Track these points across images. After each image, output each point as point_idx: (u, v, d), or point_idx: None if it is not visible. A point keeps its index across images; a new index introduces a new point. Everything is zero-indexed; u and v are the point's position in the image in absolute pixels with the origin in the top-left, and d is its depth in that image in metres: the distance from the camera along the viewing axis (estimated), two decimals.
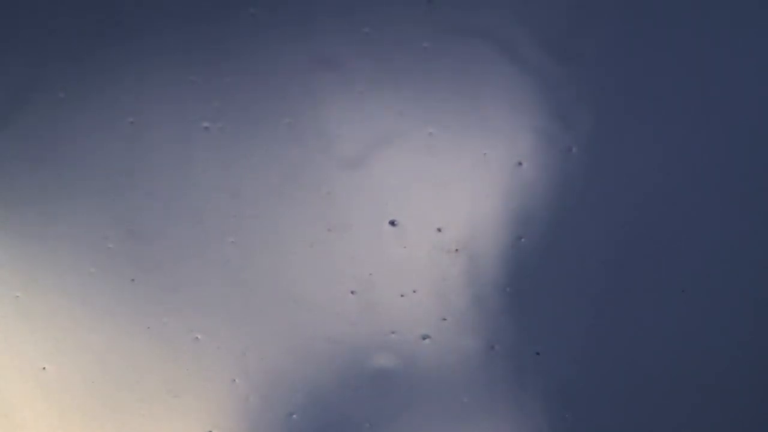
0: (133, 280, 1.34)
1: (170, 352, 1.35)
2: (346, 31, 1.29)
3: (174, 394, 1.36)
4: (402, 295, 1.34)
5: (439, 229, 1.33)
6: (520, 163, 1.31)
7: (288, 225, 1.33)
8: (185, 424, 1.37)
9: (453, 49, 1.29)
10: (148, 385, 1.36)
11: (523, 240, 1.32)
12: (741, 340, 1.36)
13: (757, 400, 1.38)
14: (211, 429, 1.37)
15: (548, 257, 1.33)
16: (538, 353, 1.35)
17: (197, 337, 1.35)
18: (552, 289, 1.34)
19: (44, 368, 1.36)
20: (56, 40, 1.30)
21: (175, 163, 1.31)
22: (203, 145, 1.31)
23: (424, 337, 1.35)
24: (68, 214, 1.32)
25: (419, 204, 1.32)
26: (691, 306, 1.34)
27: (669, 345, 1.35)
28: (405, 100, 1.30)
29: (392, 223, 1.33)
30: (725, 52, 1.31)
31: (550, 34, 1.30)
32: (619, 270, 1.34)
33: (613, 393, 1.37)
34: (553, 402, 1.36)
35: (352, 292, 1.34)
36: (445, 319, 1.35)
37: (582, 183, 1.31)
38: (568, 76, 1.30)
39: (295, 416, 1.37)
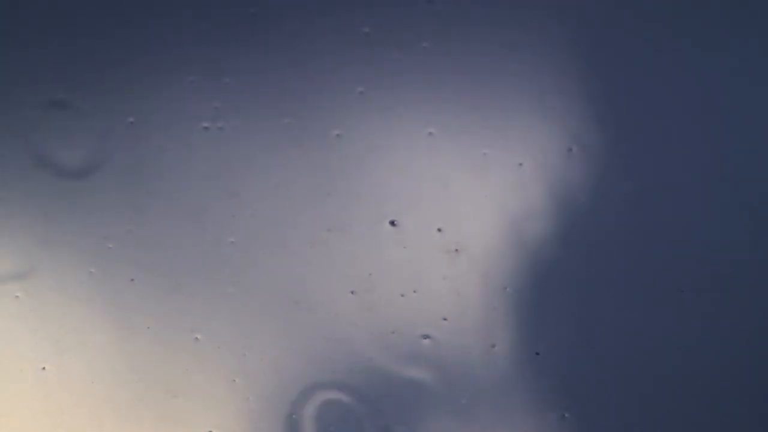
0: (133, 280, 1.33)
1: (170, 352, 1.35)
2: (346, 31, 1.29)
3: (174, 394, 1.36)
4: (402, 295, 1.34)
5: (439, 229, 1.33)
6: (520, 164, 1.31)
7: (288, 225, 1.33)
8: (185, 424, 1.37)
9: (453, 49, 1.29)
10: (148, 385, 1.36)
11: (523, 240, 1.32)
12: (740, 340, 1.36)
13: (757, 401, 1.38)
14: (211, 429, 1.37)
15: (548, 257, 1.33)
16: (538, 353, 1.35)
17: (197, 337, 1.35)
18: (552, 289, 1.34)
19: (44, 368, 1.36)
20: (56, 40, 1.30)
21: (174, 163, 1.31)
22: (203, 145, 1.31)
23: (424, 337, 1.35)
24: (68, 215, 1.32)
25: (419, 204, 1.32)
26: (689, 306, 1.34)
27: (668, 345, 1.35)
28: (405, 100, 1.30)
29: (392, 223, 1.33)
30: (725, 52, 1.31)
31: (552, 34, 1.30)
32: (619, 270, 1.34)
33: (612, 393, 1.37)
34: (553, 402, 1.36)
35: (352, 292, 1.34)
36: (445, 319, 1.35)
37: (582, 183, 1.31)
38: (568, 77, 1.30)
39: (295, 416, 1.37)
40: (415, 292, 1.34)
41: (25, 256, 1.33)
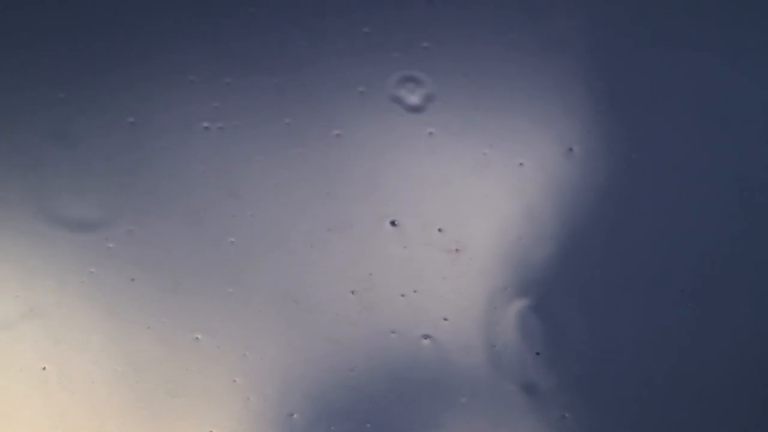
0: (133, 280, 1.33)
1: (170, 352, 1.35)
2: (346, 31, 1.29)
3: (174, 394, 1.36)
4: (402, 295, 1.34)
5: (439, 229, 1.33)
6: (520, 164, 1.31)
7: (288, 225, 1.33)
8: (185, 424, 1.37)
9: (453, 49, 1.29)
10: (148, 385, 1.36)
11: (523, 240, 1.32)
12: (740, 340, 1.36)
13: (757, 401, 1.38)
14: (211, 429, 1.37)
15: (548, 257, 1.33)
16: (538, 353, 1.35)
17: (197, 337, 1.35)
18: (552, 289, 1.34)
19: (44, 368, 1.36)
20: (56, 40, 1.30)
21: (175, 163, 1.31)
22: (203, 145, 1.31)
23: (424, 337, 1.35)
24: (68, 214, 1.32)
25: (419, 204, 1.32)
26: (690, 306, 1.34)
27: (668, 345, 1.35)
28: (405, 100, 1.30)
29: (392, 223, 1.33)
30: (725, 53, 1.31)
31: (551, 35, 1.30)
32: (619, 270, 1.34)
33: (612, 393, 1.37)
34: (553, 402, 1.36)
35: (352, 292, 1.34)
36: (445, 319, 1.35)
37: (582, 183, 1.31)
38: (568, 76, 1.30)
39: (295, 416, 1.37)
40: (415, 292, 1.34)
41: (26, 256, 1.33)
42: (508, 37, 1.29)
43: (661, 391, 1.37)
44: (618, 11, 1.30)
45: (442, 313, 1.34)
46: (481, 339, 1.35)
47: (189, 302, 1.34)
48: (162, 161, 1.31)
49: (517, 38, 1.29)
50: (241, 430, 1.37)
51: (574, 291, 1.34)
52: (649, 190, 1.32)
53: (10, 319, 1.35)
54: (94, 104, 1.30)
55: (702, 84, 1.31)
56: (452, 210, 1.32)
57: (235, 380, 1.36)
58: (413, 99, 1.30)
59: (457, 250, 1.33)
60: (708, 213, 1.33)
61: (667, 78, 1.31)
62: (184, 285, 1.34)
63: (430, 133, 1.31)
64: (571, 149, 1.31)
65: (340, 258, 1.33)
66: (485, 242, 1.32)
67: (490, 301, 1.34)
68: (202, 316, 1.35)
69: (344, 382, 1.37)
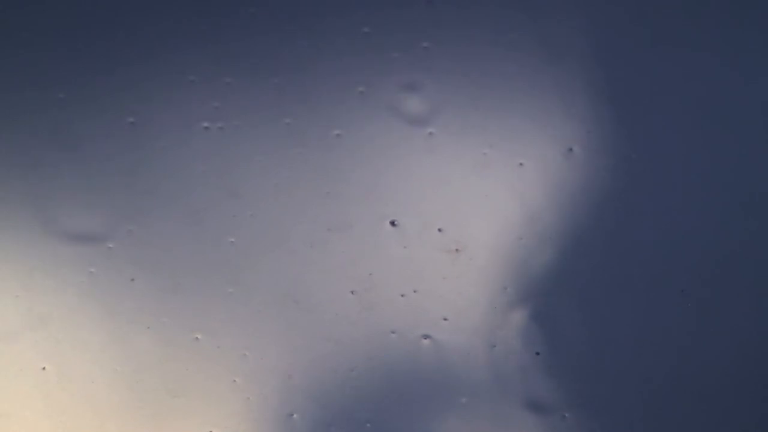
0: (133, 280, 1.33)
1: (170, 352, 1.35)
2: (347, 31, 1.29)
3: (174, 394, 1.36)
4: (402, 295, 1.34)
5: (439, 229, 1.33)
6: (520, 164, 1.31)
7: (288, 225, 1.33)
8: (185, 424, 1.37)
9: (453, 49, 1.29)
10: (148, 385, 1.36)
11: (523, 240, 1.32)
12: (740, 340, 1.36)
13: (757, 401, 1.38)
14: (211, 429, 1.37)
15: (548, 257, 1.33)
16: (538, 353, 1.35)
17: (197, 337, 1.35)
18: (552, 289, 1.34)
19: (44, 368, 1.36)
20: (56, 40, 1.30)
21: (175, 163, 1.31)
22: (203, 145, 1.31)
23: (424, 337, 1.35)
24: (68, 214, 1.32)
25: (419, 204, 1.32)
26: (689, 306, 1.34)
27: (668, 345, 1.35)
28: (405, 100, 1.30)
29: (392, 223, 1.33)
30: (725, 53, 1.31)
31: (551, 34, 1.30)
32: (619, 270, 1.34)
33: (613, 393, 1.37)
34: (553, 402, 1.36)
35: (352, 292, 1.34)
36: (445, 319, 1.35)
37: (582, 183, 1.31)
38: (568, 76, 1.30)
39: (295, 416, 1.37)
40: (415, 292, 1.34)
41: (25, 256, 1.33)
42: (508, 37, 1.29)
43: (661, 391, 1.37)
44: (618, 11, 1.30)
45: (442, 313, 1.34)
46: (481, 339, 1.35)
47: (189, 302, 1.34)
48: (162, 161, 1.31)
49: (517, 38, 1.29)
50: (241, 430, 1.37)
51: (574, 291, 1.34)
52: (649, 190, 1.32)
53: (9, 320, 1.35)
54: (94, 104, 1.30)
55: (702, 84, 1.31)
56: (452, 210, 1.32)
57: (235, 380, 1.36)
58: (413, 99, 1.30)
59: (457, 250, 1.33)
60: (708, 213, 1.33)
61: (667, 78, 1.31)
62: (184, 285, 1.34)
63: (430, 133, 1.31)
64: (571, 149, 1.31)
65: (340, 258, 1.33)
66: (485, 242, 1.32)
67: (491, 301, 1.34)
68: (202, 316, 1.35)
69: (344, 382, 1.37)
